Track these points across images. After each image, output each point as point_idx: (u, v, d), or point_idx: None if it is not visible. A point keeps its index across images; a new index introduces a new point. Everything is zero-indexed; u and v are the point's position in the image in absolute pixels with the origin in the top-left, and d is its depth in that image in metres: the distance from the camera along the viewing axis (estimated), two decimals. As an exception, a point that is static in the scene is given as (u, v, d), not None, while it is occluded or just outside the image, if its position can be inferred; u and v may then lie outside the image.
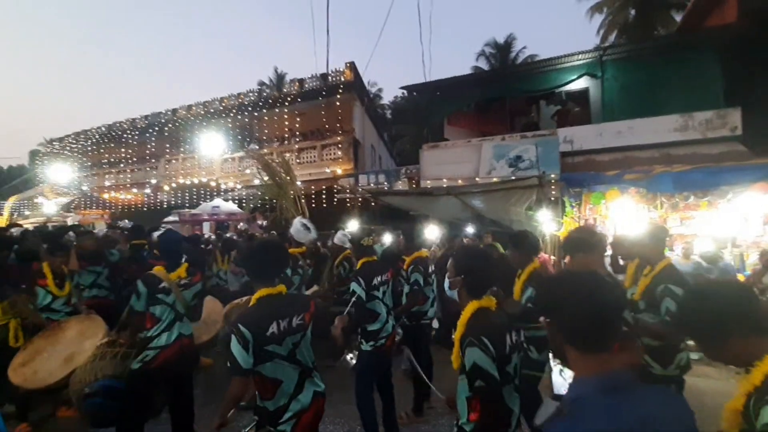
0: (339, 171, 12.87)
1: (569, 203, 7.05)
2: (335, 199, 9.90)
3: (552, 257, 7.09)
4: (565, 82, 11.06)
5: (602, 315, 1.00)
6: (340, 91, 13.82)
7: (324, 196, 9.88)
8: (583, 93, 11.47)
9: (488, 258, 1.81)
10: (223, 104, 16.24)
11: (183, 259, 2.94)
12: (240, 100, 15.96)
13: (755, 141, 8.46)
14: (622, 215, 6.77)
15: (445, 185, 9.03)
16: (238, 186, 11.19)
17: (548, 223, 7.28)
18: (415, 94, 14.46)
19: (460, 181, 8.95)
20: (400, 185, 10.00)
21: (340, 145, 13.28)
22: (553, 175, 7.82)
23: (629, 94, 10.25)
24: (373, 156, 15.35)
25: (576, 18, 22.89)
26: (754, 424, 1.15)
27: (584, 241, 2.38)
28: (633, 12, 19.05)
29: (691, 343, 1.53)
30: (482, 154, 9.62)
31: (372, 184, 10.46)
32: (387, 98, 29.10)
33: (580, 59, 10.69)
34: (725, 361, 1.32)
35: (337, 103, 13.88)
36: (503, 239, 6.33)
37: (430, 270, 4.06)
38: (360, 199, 9.77)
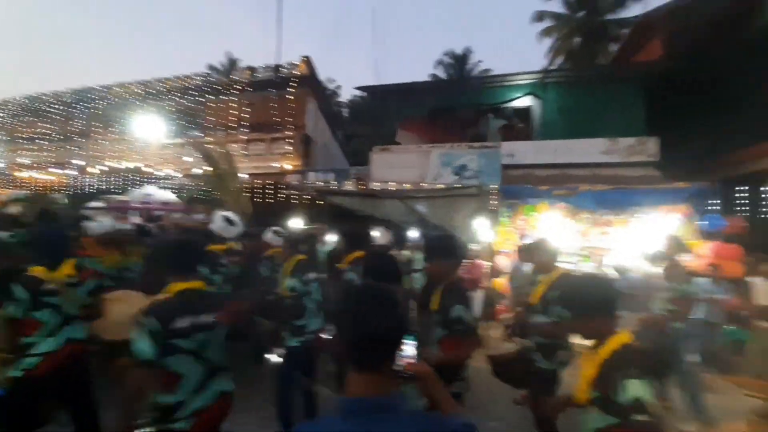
0: (288, 166, 12.56)
1: (505, 213, 7.45)
2: (282, 196, 9.64)
3: (487, 264, 7.42)
4: (512, 98, 11.69)
5: (370, 334, 0.98)
6: (294, 84, 13.49)
7: (270, 192, 9.58)
8: (527, 111, 12.20)
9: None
10: (166, 85, 15.21)
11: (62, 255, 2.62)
12: (185, 83, 15.03)
13: (668, 168, 9.45)
14: (550, 227, 7.28)
15: (393, 189, 9.13)
16: (176, 174, 10.51)
17: (485, 232, 7.63)
18: (367, 95, 14.52)
19: (407, 186, 9.10)
20: (349, 185, 9.96)
21: (290, 140, 12.97)
22: (492, 186, 8.20)
23: (566, 116, 11.04)
24: (325, 154, 15.15)
25: (530, 38, 24.20)
26: (608, 392, 1.49)
27: (442, 246, 2.46)
28: (578, 40, 20.58)
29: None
30: (430, 161, 9.86)
31: (321, 183, 10.32)
32: (346, 96, 28.95)
33: (526, 79, 11.34)
34: (588, 337, 1.69)
35: (290, 97, 13.53)
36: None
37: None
38: (307, 197, 9.59)
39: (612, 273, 6.06)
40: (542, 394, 2.61)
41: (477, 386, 4.33)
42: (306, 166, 12.74)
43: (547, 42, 21.66)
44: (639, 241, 6.49)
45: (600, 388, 1.55)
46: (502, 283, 7.03)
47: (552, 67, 19.26)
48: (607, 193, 6.73)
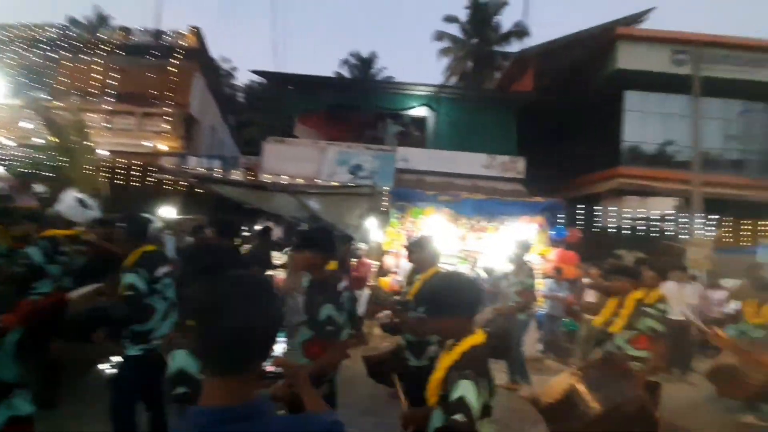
0: (163, 147, 11.04)
1: (395, 215, 7.71)
2: (152, 180, 8.39)
3: (375, 263, 7.55)
4: (410, 107, 12.26)
5: (239, 331, 0.82)
6: (179, 55, 11.98)
7: (137, 174, 8.26)
8: (423, 120, 12.93)
9: None
10: (9, 33, 12.08)
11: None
12: (35, 33, 12.14)
13: (532, 185, 10.98)
14: (435, 230, 7.76)
15: (285, 182, 8.71)
16: (8, 142, 8.36)
17: (375, 231, 7.77)
18: (266, 82, 13.72)
19: (300, 181, 8.77)
20: (237, 175, 9.18)
21: (168, 118, 11.44)
22: (385, 188, 8.42)
23: (455, 130, 12.02)
24: (212, 138, 13.80)
25: (431, 54, 25.88)
26: (448, 394, 1.46)
27: (311, 237, 2.35)
28: (470, 64, 22.73)
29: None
30: (326, 158, 9.71)
31: (203, 169, 9.31)
32: (242, 80, 26.89)
33: (424, 91, 12.03)
34: (445, 336, 1.67)
35: (173, 69, 11.98)
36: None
37: None
38: (184, 184, 8.54)
39: (482, 273, 6.73)
40: (413, 392, 2.64)
41: (357, 385, 4.25)
42: (187, 149, 11.39)
43: (445, 61, 23.49)
44: (505, 245, 7.34)
45: (444, 388, 1.53)
46: (388, 282, 7.23)
47: (447, 84, 20.88)
48: (483, 202, 7.48)
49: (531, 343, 6.50)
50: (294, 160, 9.93)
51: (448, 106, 12.22)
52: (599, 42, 11.99)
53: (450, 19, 22.66)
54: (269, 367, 1.59)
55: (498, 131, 11.92)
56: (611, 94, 12.31)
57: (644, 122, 12.40)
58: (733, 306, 6.46)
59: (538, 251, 7.39)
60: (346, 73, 23.24)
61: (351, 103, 12.05)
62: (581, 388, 2.72)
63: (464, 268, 7.56)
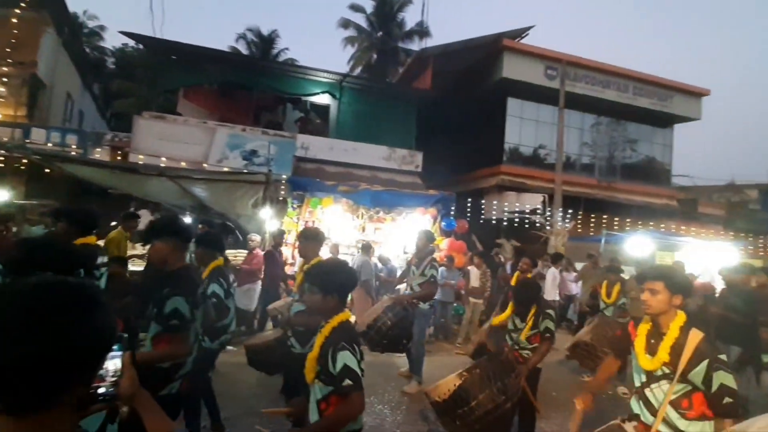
0: (-4, 115, 8.80)
1: (291, 204, 7.36)
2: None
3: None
4: (312, 92, 11.82)
5: (37, 356, 0.60)
6: (22, 3, 9.61)
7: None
8: (325, 108, 12.62)
9: None
10: None
11: None
12: None
13: (428, 178, 11.58)
14: (333, 220, 7.65)
15: (163, 165, 7.64)
16: None
17: (270, 221, 7.32)
18: (144, 48, 11.88)
19: (183, 164, 7.80)
20: (101, 154, 7.77)
21: (5, 79, 9.13)
22: (284, 176, 7.98)
23: (357, 120, 12.00)
24: (69, 109, 11.45)
25: (336, 41, 25.27)
26: (329, 367, 1.64)
27: (161, 226, 2.13)
28: (375, 57, 22.93)
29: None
30: (216, 140, 8.81)
31: (54, 145, 7.64)
32: (113, 43, 22.85)
33: (326, 78, 11.69)
34: (324, 314, 1.83)
35: (14, 20, 9.56)
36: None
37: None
38: (25, 162, 6.92)
39: (379, 264, 6.84)
40: (297, 377, 2.55)
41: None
42: (31, 119, 9.25)
43: (350, 50, 23.30)
44: (401, 235, 7.59)
45: (321, 362, 1.71)
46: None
47: (351, 74, 20.76)
48: (381, 193, 7.60)
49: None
50: (177, 141, 8.81)
51: (352, 95, 12.13)
52: (488, 50, 13.10)
53: (356, 8, 22.50)
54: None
55: (399, 125, 12.25)
56: (497, 99, 13.63)
57: (522, 127, 14.03)
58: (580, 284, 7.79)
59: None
60: (242, 49, 21.42)
61: (247, 83, 11.12)
62: (466, 387, 2.91)
63: (361, 258, 7.63)
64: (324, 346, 1.73)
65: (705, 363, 1.77)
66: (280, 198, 7.79)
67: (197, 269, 3.20)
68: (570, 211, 10.79)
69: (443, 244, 7.58)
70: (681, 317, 1.92)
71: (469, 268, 6.97)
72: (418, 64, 14.14)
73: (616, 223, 10.97)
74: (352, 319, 2.07)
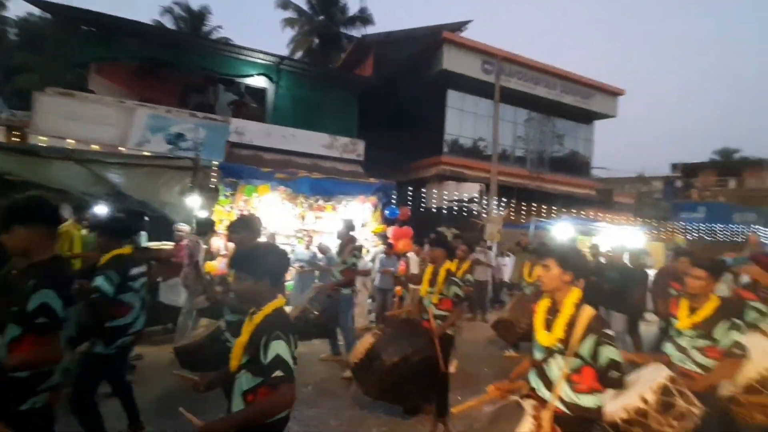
0: None
1: (223, 192, 6.90)
2: None
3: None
4: (245, 74, 11.15)
5: None
6: None
7: None
8: (262, 92, 11.99)
9: None
10: None
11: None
12: None
13: (370, 167, 11.53)
14: (270, 209, 7.30)
15: (71, 148, 6.77)
16: None
17: (200, 211, 6.81)
18: (51, 17, 10.40)
19: (96, 147, 6.97)
20: (-9, 134, 6.67)
21: None
22: (215, 162, 7.45)
23: (297, 106, 11.57)
24: (-52, 80, 9.69)
25: (274, 22, 24.04)
26: (260, 356, 1.58)
27: (18, 209, 1.81)
28: (316, 41, 22.23)
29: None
30: (135, 121, 7.97)
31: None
32: (17, 12, 19.79)
33: (262, 59, 11.08)
34: (249, 299, 1.76)
35: None
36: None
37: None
38: None
39: (318, 253, 6.68)
40: None
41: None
42: None
43: (289, 33, 22.38)
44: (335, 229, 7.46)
45: (250, 351, 1.64)
46: (216, 265, 6.46)
47: (290, 56, 19.97)
48: (321, 180, 7.39)
49: (363, 315, 6.87)
50: (86, 121, 7.85)
51: (291, 79, 11.65)
52: (429, 42, 13.28)
53: (296, -13, 21.62)
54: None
55: (340, 112, 12.02)
56: (437, 91, 13.90)
57: (462, 119, 14.49)
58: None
59: (372, 229, 7.77)
60: (169, 24, 19.62)
61: (172, 60, 10.17)
62: (378, 343, 3.32)
63: (301, 248, 7.40)
64: (255, 334, 1.64)
65: (593, 338, 1.84)
66: (211, 186, 7.27)
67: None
68: (504, 200, 11.38)
69: (387, 231, 7.59)
70: (575, 294, 1.99)
71: (408, 254, 7.06)
72: (360, 51, 13.96)
73: (544, 211, 11.78)
74: (288, 308, 1.97)
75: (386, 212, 7.93)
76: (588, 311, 1.91)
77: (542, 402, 1.98)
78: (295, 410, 3.79)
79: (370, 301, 7.21)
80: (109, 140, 7.45)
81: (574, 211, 11.95)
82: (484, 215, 11.09)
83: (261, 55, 10.91)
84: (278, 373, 1.54)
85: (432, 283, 3.64)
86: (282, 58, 11.24)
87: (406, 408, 3.78)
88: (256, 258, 1.76)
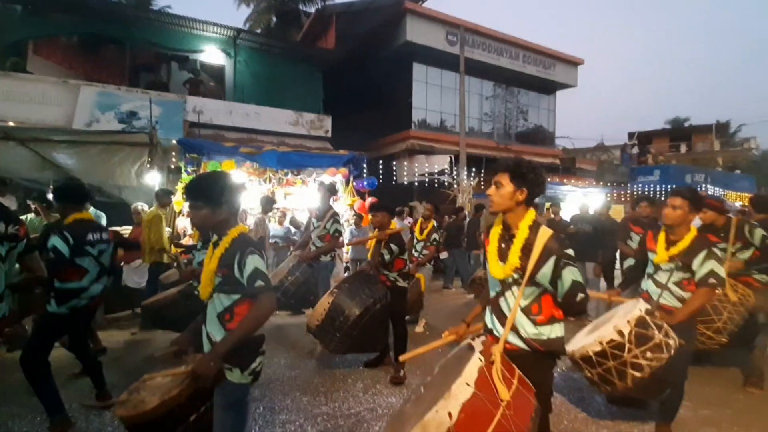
0: None
1: (185, 169, 6.57)
2: None
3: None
4: (199, 49, 10.55)
5: None
6: None
7: None
8: (220, 69, 11.40)
9: None
10: None
11: None
12: None
13: (338, 143, 11.31)
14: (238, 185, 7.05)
15: (11, 126, 6.22)
16: None
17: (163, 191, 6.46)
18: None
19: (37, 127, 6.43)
20: None
21: None
22: (174, 141, 7.06)
23: (258, 82, 11.11)
24: None
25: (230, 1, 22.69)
26: (236, 273, 1.64)
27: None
28: (274, 19, 21.28)
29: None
30: (81, 100, 7.39)
31: None
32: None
33: (216, 33, 10.49)
34: (210, 228, 1.81)
35: None
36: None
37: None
38: None
39: (292, 227, 6.54)
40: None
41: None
42: None
43: (245, 10, 21.31)
44: (312, 197, 7.33)
45: (222, 272, 1.67)
46: (185, 244, 6.18)
47: (246, 29, 19.07)
48: (288, 154, 7.18)
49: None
50: (30, 102, 7.24)
51: (249, 55, 11.14)
52: (391, 12, 12.98)
53: (249, -39, 20.49)
54: None
55: (304, 88, 11.67)
56: (403, 64, 13.71)
57: (428, 92, 14.41)
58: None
59: (347, 202, 7.67)
60: None
61: (116, 36, 9.44)
62: (338, 300, 3.38)
63: (274, 225, 7.22)
64: (226, 255, 1.67)
65: (553, 260, 1.62)
66: (172, 165, 6.91)
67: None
68: (473, 170, 11.52)
69: (356, 204, 7.51)
70: (531, 215, 1.75)
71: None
72: (321, 23, 13.50)
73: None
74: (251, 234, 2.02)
75: (365, 183, 7.83)
76: (546, 232, 1.66)
77: (497, 340, 1.73)
78: (278, 372, 3.75)
79: (346, 274, 7.19)
80: (53, 121, 6.89)
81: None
82: (455, 186, 11.21)
83: (215, 29, 10.31)
84: (259, 282, 1.61)
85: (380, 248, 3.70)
86: (238, 31, 10.68)
87: (367, 362, 3.90)
88: (208, 186, 1.74)
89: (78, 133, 6.35)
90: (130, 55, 9.77)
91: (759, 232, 3.42)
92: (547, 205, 10.62)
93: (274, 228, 6.77)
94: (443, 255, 9.83)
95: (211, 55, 10.78)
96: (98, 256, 2.87)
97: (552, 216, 8.19)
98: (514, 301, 1.71)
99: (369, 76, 14.23)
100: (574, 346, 2.50)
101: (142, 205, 5.67)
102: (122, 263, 5.55)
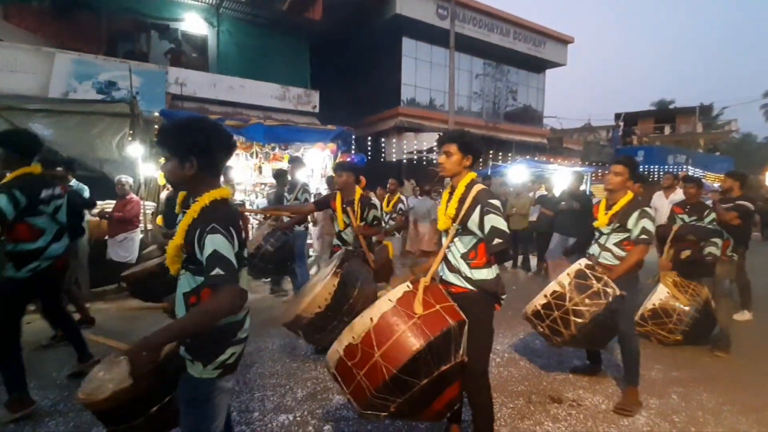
0: None
1: (169, 142, 6.41)
2: None
3: (146, 202, 6.21)
4: (179, 18, 10.11)
5: None
6: None
7: None
8: (202, 40, 10.98)
9: None
10: None
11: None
12: None
13: (326, 118, 11.12)
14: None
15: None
16: None
17: (144, 164, 6.32)
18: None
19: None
20: None
21: None
22: (156, 113, 6.84)
23: (243, 54, 10.76)
24: None
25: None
26: (197, 253, 1.33)
27: None
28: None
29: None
30: (56, 68, 7.06)
31: None
32: None
33: (197, 1, 10.04)
34: (180, 186, 1.52)
35: None
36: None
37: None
38: None
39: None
40: None
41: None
42: None
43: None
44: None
45: (186, 248, 1.38)
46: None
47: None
48: (275, 128, 7.03)
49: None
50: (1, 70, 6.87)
51: (233, 25, 10.74)
52: (381, -17, 12.58)
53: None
54: None
55: (291, 61, 11.35)
56: (392, 38, 13.42)
57: (417, 68, 14.19)
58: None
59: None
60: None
61: (91, 1, 8.98)
62: (342, 289, 2.83)
63: (261, 200, 7.16)
64: (190, 229, 1.35)
65: (479, 208, 1.94)
66: (155, 138, 6.72)
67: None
68: (462, 147, 11.51)
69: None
70: (470, 176, 2.07)
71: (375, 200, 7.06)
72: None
73: (500, 157, 12.10)
74: (236, 199, 1.83)
75: (354, 159, 7.77)
76: (478, 187, 2.01)
77: (446, 285, 2.05)
78: (268, 342, 3.81)
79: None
80: (26, 90, 6.58)
81: (528, 156, 12.38)
82: (443, 163, 11.20)
83: (196, -4, 9.87)
84: (217, 271, 1.27)
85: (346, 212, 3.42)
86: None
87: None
88: (179, 132, 1.40)
89: (54, 102, 6.09)
90: (106, 21, 9.31)
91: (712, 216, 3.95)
92: (538, 181, 10.76)
93: (261, 203, 6.73)
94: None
95: (193, 24, 10.35)
96: (53, 213, 2.67)
97: (545, 193, 8.31)
98: (456, 248, 2.03)
99: (357, 51, 13.91)
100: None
101: (126, 178, 5.54)
102: (106, 237, 5.48)
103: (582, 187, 6.48)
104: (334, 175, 3.80)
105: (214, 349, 1.39)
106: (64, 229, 2.76)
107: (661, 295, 3.77)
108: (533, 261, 7.67)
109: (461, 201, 2.00)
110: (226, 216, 1.37)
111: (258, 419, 2.53)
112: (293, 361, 3.40)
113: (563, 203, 6.01)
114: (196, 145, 1.38)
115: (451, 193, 2.10)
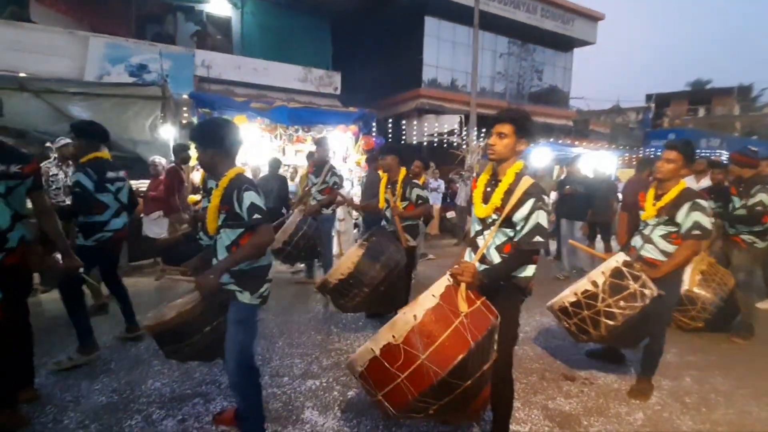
0: None
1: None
2: None
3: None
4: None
5: None
6: None
7: None
8: (227, 22, 11.10)
9: None
10: None
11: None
12: None
13: (348, 100, 11.17)
14: (249, 141, 7.13)
15: (23, 77, 6.24)
16: None
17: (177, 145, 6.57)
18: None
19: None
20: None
21: None
22: (185, 96, 7.07)
23: (266, 36, 10.83)
24: None
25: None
26: (236, 208, 1.83)
27: None
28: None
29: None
30: (91, 52, 7.34)
31: None
32: None
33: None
34: (211, 170, 1.97)
35: None
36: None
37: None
38: None
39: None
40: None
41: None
42: None
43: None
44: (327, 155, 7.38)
45: (224, 209, 1.86)
46: (197, 199, 6.39)
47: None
48: (299, 110, 7.17)
49: (350, 243, 7.06)
50: (38, 52, 7.21)
51: (257, 6, 10.78)
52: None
53: None
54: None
55: (313, 42, 11.36)
56: (414, 17, 13.16)
57: (440, 48, 13.93)
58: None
59: (355, 160, 7.73)
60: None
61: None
62: (365, 259, 3.02)
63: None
64: (226, 193, 1.85)
65: (531, 202, 1.77)
66: (184, 121, 6.95)
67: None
68: (484, 130, 11.37)
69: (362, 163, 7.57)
70: (519, 164, 1.88)
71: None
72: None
73: (522, 140, 11.87)
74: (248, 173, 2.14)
75: (376, 141, 7.85)
76: (528, 180, 1.82)
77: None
78: (295, 317, 4.05)
79: (356, 231, 7.37)
80: (65, 73, 6.90)
81: (552, 139, 12.12)
82: (464, 146, 11.13)
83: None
84: (256, 216, 1.81)
85: (393, 193, 3.50)
86: (244, -20, 10.29)
87: (369, 313, 3.84)
88: (210, 131, 1.95)
89: (91, 85, 6.35)
90: (135, 4, 9.52)
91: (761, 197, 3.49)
92: (562, 164, 10.57)
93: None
94: (449, 214, 10.04)
95: (217, 5, 10.45)
96: (116, 193, 3.11)
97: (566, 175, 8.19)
98: (491, 238, 1.89)
99: (378, 31, 13.72)
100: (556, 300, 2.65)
101: (159, 158, 5.81)
102: (141, 215, 5.80)
103: (583, 171, 6.34)
104: (378, 159, 3.89)
105: (257, 283, 1.94)
106: (124, 207, 3.18)
107: (686, 282, 3.59)
108: (552, 245, 7.66)
109: (509, 191, 1.83)
110: (250, 181, 1.92)
111: (287, 383, 2.75)
112: (318, 334, 3.62)
113: (567, 187, 5.93)
114: (217, 139, 1.91)
115: (493, 179, 1.96)
